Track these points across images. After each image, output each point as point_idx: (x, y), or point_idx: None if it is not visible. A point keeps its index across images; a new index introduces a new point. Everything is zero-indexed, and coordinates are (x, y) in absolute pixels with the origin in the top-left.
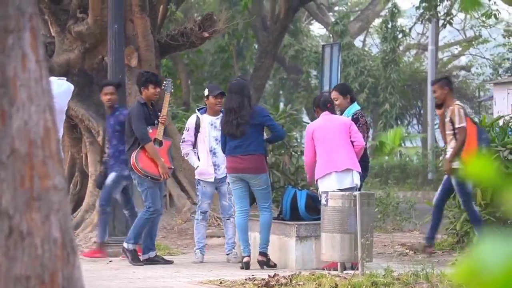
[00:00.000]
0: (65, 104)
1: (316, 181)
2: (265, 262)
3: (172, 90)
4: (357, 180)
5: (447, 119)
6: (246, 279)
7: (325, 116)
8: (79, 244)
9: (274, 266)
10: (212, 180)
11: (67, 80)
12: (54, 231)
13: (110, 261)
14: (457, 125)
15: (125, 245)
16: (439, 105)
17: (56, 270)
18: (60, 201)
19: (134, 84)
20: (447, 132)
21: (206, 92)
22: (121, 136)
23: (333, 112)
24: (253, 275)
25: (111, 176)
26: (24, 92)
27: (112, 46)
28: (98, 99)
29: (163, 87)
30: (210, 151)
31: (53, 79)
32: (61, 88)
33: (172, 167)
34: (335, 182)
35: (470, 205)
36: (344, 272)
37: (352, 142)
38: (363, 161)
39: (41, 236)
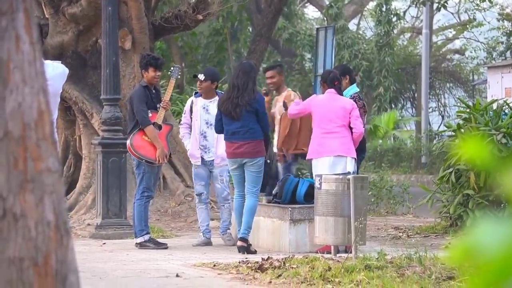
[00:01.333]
0: (60, 87)
1: (310, 160)
2: (246, 248)
3: (179, 77)
4: (350, 167)
5: (280, 104)
6: (239, 262)
7: (329, 94)
8: (72, 226)
9: (255, 252)
10: (199, 163)
11: (61, 63)
12: (48, 213)
13: (104, 243)
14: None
15: (139, 240)
16: (267, 93)
17: (50, 252)
18: (54, 183)
19: (128, 66)
20: (278, 117)
21: None
22: None
23: (339, 91)
24: (246, 258)
25: None
26: (18, 74)
27: (106, 28)
28: (92, 81)
29: (169, 72)
30: (201, 134)
31: (48, 62)
32: (56, 71)
33: (168, 153)
34: (327, 167)
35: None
36: (338, 255)
37: (351, 128)
38: (359, 143)
39: (35, 218)
